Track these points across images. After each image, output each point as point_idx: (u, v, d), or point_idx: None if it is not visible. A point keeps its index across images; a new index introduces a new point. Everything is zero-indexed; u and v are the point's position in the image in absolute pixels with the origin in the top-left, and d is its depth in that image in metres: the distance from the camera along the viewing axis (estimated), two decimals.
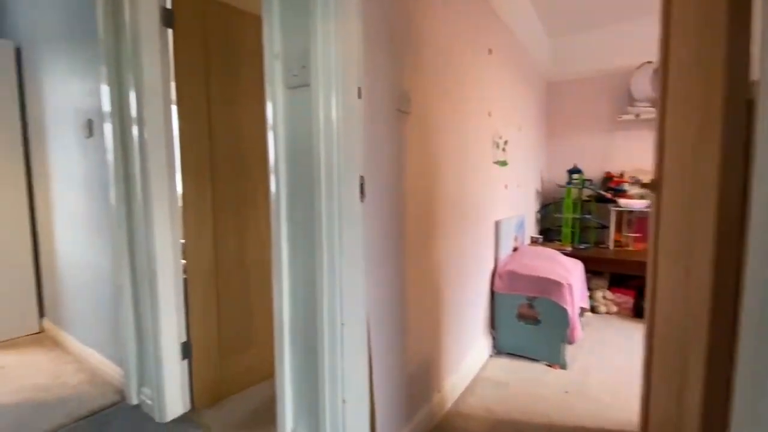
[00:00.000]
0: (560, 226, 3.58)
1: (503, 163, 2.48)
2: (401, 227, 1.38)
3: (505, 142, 2.52)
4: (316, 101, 0.99)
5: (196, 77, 1.67)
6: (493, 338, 2.34)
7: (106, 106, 1.65)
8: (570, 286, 2.18)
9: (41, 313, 2.70)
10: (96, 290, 2.06)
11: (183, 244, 1.71)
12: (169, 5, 1.62)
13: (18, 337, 2.58)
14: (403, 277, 1.41)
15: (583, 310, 2.77)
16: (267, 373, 2.01)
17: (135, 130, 1.58)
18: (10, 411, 1.75)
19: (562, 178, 3.68)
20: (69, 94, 2.08)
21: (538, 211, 3.68)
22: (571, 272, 2.36)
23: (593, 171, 3.65)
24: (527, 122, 3.13)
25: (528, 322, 2.24)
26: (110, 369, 1.99)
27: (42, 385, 1.96)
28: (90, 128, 1.90)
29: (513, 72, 2.69)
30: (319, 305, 1.01)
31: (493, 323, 2.35)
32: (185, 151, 1.65)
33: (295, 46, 1.03)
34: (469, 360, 2.04)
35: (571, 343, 2.20)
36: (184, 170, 1.67)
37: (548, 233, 3.75)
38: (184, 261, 1.70)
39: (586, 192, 3.55)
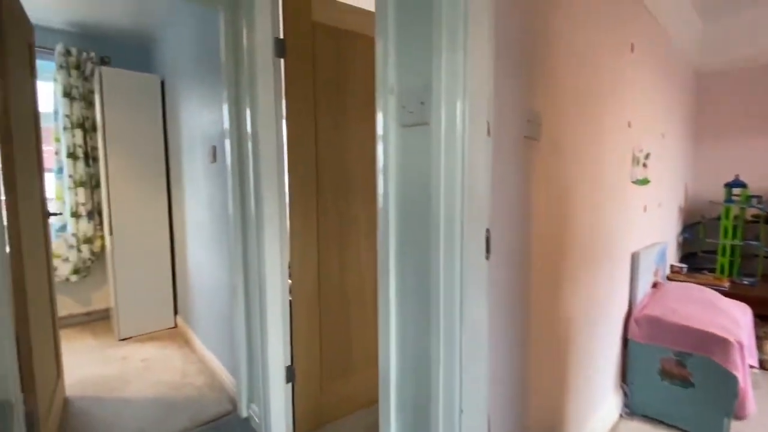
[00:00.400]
0: (710, 252, 2.89)
1: (644, 182, 2.04)
2: (526, 279, 1.16)
3: (647, 156, 2.07)
4: (437, 142, 0.85)
5: (304, 103, 1.67)
6: (625, 395, 1.94)
7: (226, 124, 1.74)
8: (740, 344, 1.68)
9: (175, 311, 3.10)
10: (215, 299, 2.25)
11: (289, 266, 1.73)
12: (281, 35, 1.64)
13: (158, 331, 2.99)
14: (526, 334, 1.19)
15: (750, 367, 2.16)
16: (365, 402, 1.96)
17: (250, 150, 1.64)
18: (149, 407, 1.99)
19: (714, 191, 2.97)
20: (198, 121, 2.30)
21: (681, 233, 3.03)
22: (739, 324, 1.84)
23: (760, 184, 2.86)
24: (672, 127, 2.56)
25: (675, 383, 1.80)
26: (225, 376, 2.15)
27: (173, 383, 2.21)
28: (214, 154, 2.06)
29: (656, 67, 2.20)
30: (434, 386, 0.87)
31: (624, 377, 1.95)
32: (293, 175, 1.67)
33: (412, 79, 0.89)
34: (596, 421, 1.71)
35: (739, 418, 1.70)
36: (291, 194, 1.69)
37: (693, 260, 3.05)
38: (289, 281, 1.73)
39: (752, 211, 2.80)
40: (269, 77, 1.60)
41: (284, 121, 1.64)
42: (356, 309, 1.93)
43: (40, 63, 3.00)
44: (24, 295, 1.39)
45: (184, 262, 2.84)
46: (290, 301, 1.74)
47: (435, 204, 0.87)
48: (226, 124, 1.74)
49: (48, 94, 2.99)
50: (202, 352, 2.52)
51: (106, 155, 2.75)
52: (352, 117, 1.83)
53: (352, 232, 1.88)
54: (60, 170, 2.99)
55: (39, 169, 1.86)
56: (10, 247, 1.36)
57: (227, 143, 1.75)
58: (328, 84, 1.75)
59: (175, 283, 3.08)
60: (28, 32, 1.82)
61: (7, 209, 1.35)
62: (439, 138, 0.84)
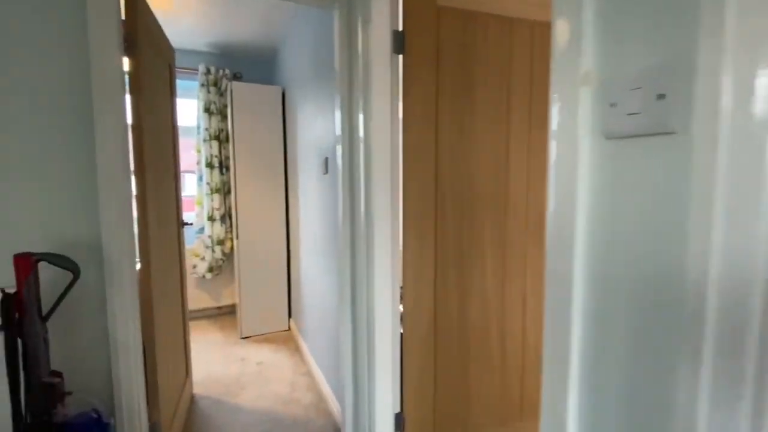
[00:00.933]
0: None
1: None
2: None
3: None
4: (700, 166, 0.46)
5: (424, 106, 1.40)
6: None
7: (338, 131, 1.59)
8: None
9: (289, 314, 3.19)
10: (323, 314, 2.15)
11: (401, 293, 1.49)
12: (400, 27, 1.40)
13: (274, 333, 3.10)
14: None
15: None
16: None
17: (361, 160, 1.44)
18: (258, 419, 1.98)
19: None
20: (312, 131, 2.23)
21: None
22: None
23: None
24: None
25: None
26: (332, 402, 2.03)
27: (282, 396, 2.19)
28: (326, 165, 1.94)
29: None
30: None
31: None
32: (408, 189, 1.41)
33: (637, 56, 0.52)
34: None
35: None
36: (406, 211, 1.44)
37: None
38: (401, 307, 1.50)
39: None
40: (385, 77, 1.37)
41: (401, 127, 1.40)
42: (478, 350, 1.60)
43: (188, 83, 3.40)
44: (150, 307, 1.43)
45: (297, 270, 2.87)
46: (401, 333, 1.50)
47: (696, 296, 0.47)
48: (338, 132, 1.58)
49: (193, 110, 3.35)
50: (310, 364, 2.48)
51: (234, 164, 2.94)
52: (480, 120, 1.50)
53: (475, 259, 1.54)
54: (201, 178, 3.32)
55: (176, 180, 1.99)
56: (143, 257, 1.40)
57: (338, 152, 1.60)
58: (454, 81, 1.45)
59: (290, 288, 3.16)
60: (169, 55, 1.95)
61: (141, 217, 1.39)
62: (701, 159, 0.45)
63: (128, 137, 1.28)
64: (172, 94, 1.98)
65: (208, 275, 3.38)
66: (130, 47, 1.33)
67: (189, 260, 3.39)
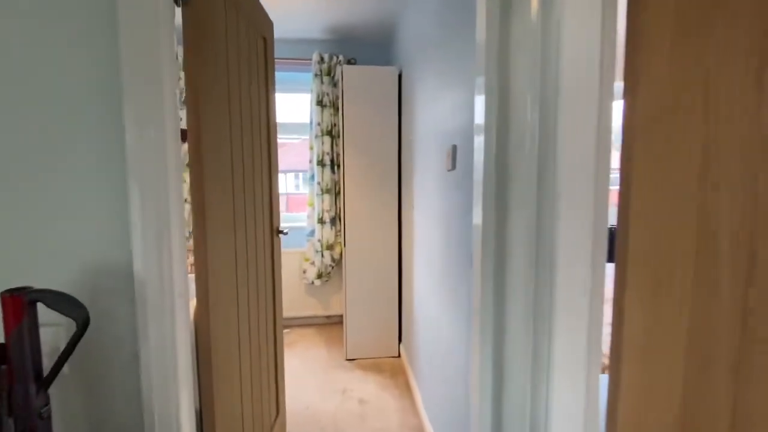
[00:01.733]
0: None
1: None
2: None
3: None
4: None
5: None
6: None
7: (479, 118, 0.97)
8: None
9: (400, 338, 2.70)
10: (443, 364, 1.57)
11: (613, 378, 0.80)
12: None
13: (381, 358, 2.65)
14: None
15: None
16: None
17: (533, 154, 0.80)
18: None
19: None
20: (433, 114, 1.65)
21: None
22: None
23: None
24: None
25: None
26: None
27: None
28: (453, 158, 1.34)
29: None
30: None
31: None
32: (641, 207, 0.71)
33: None
34: None
35: None
36: (630, 247, 0.74)
37: None
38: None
39: None
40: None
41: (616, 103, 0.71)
42: None
43: (302, 75, 3.19)
44: (209, 359, 1.05)
45: (409, 288, 2.35)
46: None
47: None
48: (479, 119, 0.96)
49: (307, 104, 3.13)
50: (422, 416, 1.93)
51: (343, 160, 2.57)
52: None
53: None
54: (312, 177, 3.08)
55: (270, 183, 1.65)
56: (200, 289, 1.03)
57: (478, 144, 0.98)
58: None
59: (401, 307, 2.67)
60: (263, 24, 1.60)
61: (199, 239, 1.02)
62: None
63: (177, 124, 0.90)
64: (267, 77, 1.64)
65: (317, 281, 3.13)
66: None
67: (299, 264, 3.20)
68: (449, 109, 1.41)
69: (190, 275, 0.97)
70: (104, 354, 0.88)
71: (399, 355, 2.67)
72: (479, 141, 0.97)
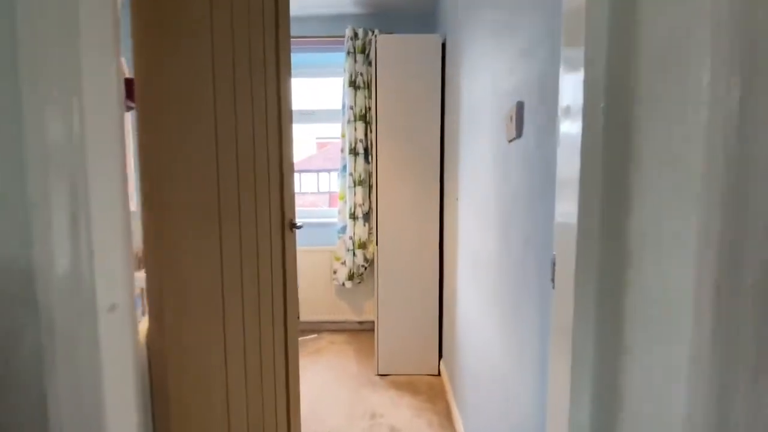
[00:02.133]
0: None
1: None
2: None
3: None
4: None
5: None
6: None
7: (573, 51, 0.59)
8: None
9: (440, 354, 2.32)
10: (491, 395, 1.18)
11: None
12: None
13: (418, 376, 2.29)
14: None
15: None
16: None
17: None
18: None
19: None
20: (489, 72, 1.26)
21: None
22: None
23: None
24: None
25: None
26: None
27: None
28: (518, 121, 0.95)
29: None
30: None
31: None
32: None
33: None
34: None
35: None
36: None
37: None
38: None
39: None
40: None
41: None
42: None
43: (334, 56, 2.90)
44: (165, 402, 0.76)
45: (452, 299, 1.96)
46: None
47: None
48: (575, 43, 0.58)
49: (339, 88, 2.84)
50: None
51: (376, 146, 2.23)
52: None
53: None
54: (344, 168, 2.78)
55: (280, 175, 1.35)
56: (153, 302, 0.74)
57: (571, 85, 0.59)
58: None
59: (442, 319, 2.29)
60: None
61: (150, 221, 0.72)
62: None
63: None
64: (278, 38, 1.33)
65: (348, 283, 2.82)
66: None
67: (329, 264, 2.91)
68: (512, 57, 1.02)
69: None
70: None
71: (439, 374, 2.29)
72: (574, 81, 0.59)
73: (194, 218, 0.83)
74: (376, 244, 2.27)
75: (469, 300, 1.55)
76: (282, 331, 1.37)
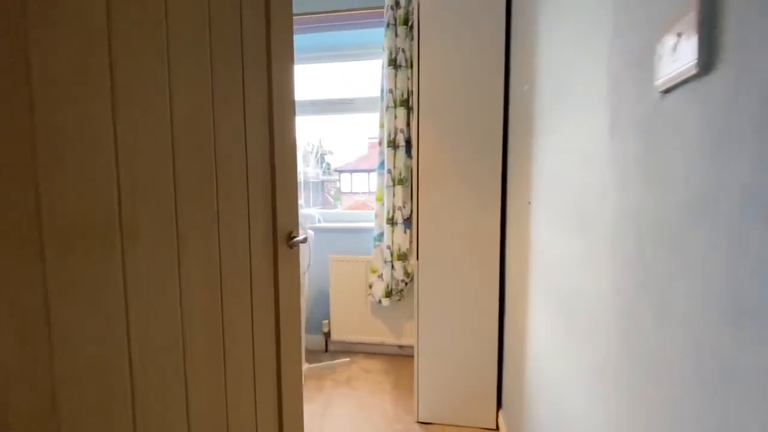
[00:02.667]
0: None
1: None
2: None
3: None
4: None
5: None
6: None
7: None
8: None
9: (498, 404, 1.80)
10: None
11: None
12: None
13: (469, 428, 1.78)
14: None
15: None
16: None
17: None
18: None
19: None
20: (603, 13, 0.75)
21: None
22: None
23: None
24: None
25: None
26: None
27: None
28: (704, 42, 0.44)
29: None
30: None
31: None
32: None
33: None
34: None
35: None
36: None
37: None
38: None
39: None
40: None
41: None
42: None
43: (373, 33, 2.48)
44: None
45: (520, 337, 1.44)
46: None
47: None
48: None
49: (378, 70, 2.40)
50: None
51: (418, 137, 1.77)
52: None
53: None
54: (381, 164, 2.35)
55: (272, 172, 0.95)
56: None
57: None
58: None
59: (502, 360, 1.77)
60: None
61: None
62: None
63: None
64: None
65: (385, 301, 2.39)
66: None
67: (364, 276, 2.50)
68: None
69: None
70: None
71: (497, 429, 1.77)
72: None
73: (71, 236, 0.44)
74: (417, 258, 1.80)
75: (553, 355, 1.03)
76: (275, 383, 0.97)
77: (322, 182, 3.38)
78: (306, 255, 2.28)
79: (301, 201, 2.82)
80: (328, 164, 3.39)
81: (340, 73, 2.70)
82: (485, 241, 1.73)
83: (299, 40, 2.47)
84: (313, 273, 2.61)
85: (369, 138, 3.66)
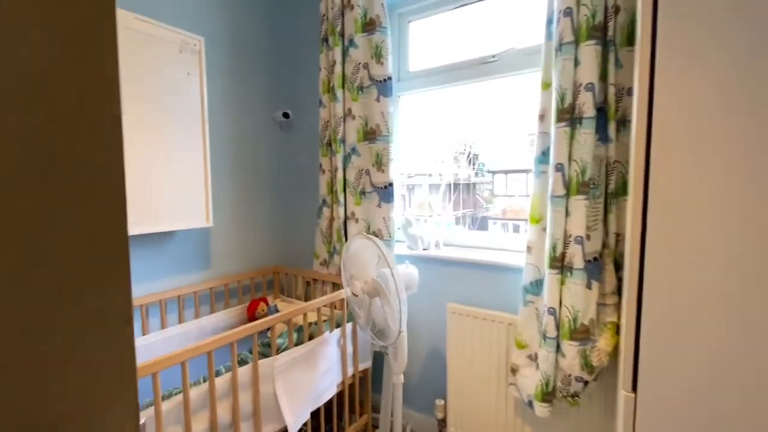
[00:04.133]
0: None
1: None
2: None
3: None
4: None
5: None
6: None
7: None
8: None
9: None
10: None
11: None
12: None
13: None
14: None
15: None
16: None
17: None
18: None
19: None
20: None
21: None
22: None
23: None
24: None
25: None
26: None
27: None
28: None
29: None
30: None
31: None
32: None
33: None
34: None
35: None
36: None
37: None
38: None
39: None
40: None
41: None
42: None
43: None
44: None
45: None
46: None
47: None
48: None
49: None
50: None
51: (652, 85, 0.68)
52: None
53: None
54: (542, 155, 1.29)
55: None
56: None
57: None
58: None
59: None
60: None
61: None
62: None
63: None
64: None
65: (541, 408, 1.29)
66: None
67: (504, 351, 1.46)
68: None
69: None
70: None
71: None
72: None
73: None
74: (637, 335, 0.70)
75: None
76: None
77: (474, 184, 2.80)
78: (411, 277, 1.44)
79: (439, 206, 1.97)
80: (482, 164, 2.70)
81: (476, 23, 1.73)
82: None
83: None
84: (423, 321, 1.73)
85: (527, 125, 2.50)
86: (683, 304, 0.67)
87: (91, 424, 0.28)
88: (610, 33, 1.13)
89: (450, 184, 2.31)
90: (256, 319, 1.77)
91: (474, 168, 2.67)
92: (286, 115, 2.08)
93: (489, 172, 2.91)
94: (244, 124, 1.97)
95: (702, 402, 0.66)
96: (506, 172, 3.18)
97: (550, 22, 1.23)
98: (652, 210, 0.69)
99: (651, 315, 0.69)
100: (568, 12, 1.14)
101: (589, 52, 1.13)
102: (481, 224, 2.52)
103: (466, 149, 2.51)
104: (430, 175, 2.18)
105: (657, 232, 0.68)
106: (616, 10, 1.13)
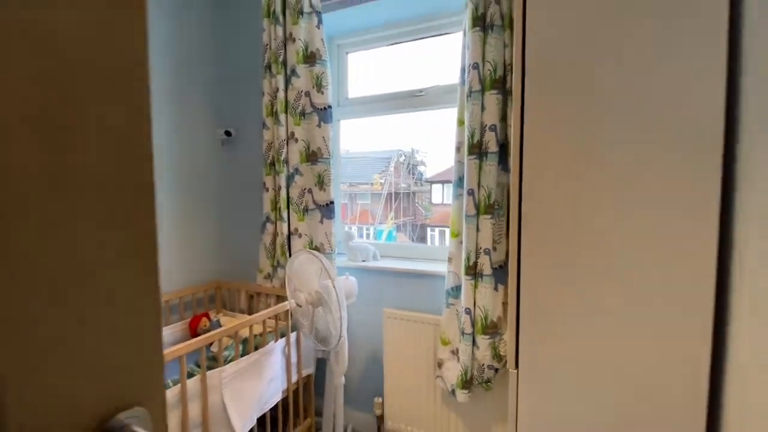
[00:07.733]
0: None
1: None
2: None
3: None
4: None
5: None
6: None
7: None
8: None
9: None
10: None
11: None
12: None
13: None
14: None
15: None
16: None
17: None
18: None
19: None
20: None
21: None
22: None
23: None
24: None
25: None
26: None
27: None
28: None
29: None
30: None
31: None
32: None
33: None
34: None
35: None
36: None
37: None
38: None
39: None
40: None
41: None
42: None
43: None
44: None
45: None
46: None
47: None
48: None
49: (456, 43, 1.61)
50: None
51: (522, 137, 0.93)
52: None
53: None
54: (459, 181, 1.54)
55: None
56: None
57: None
58: None
59: None
60: None
61: None
62: None
63: None
64: None
65: (462, 394, 1.53)
66: None
67: (432, 347, 1.68)
68: None
69: None
70: None
71: None
72: None
73: None
74: (517, 334, 0.94)
75: None
76: None
77: (414, 193, 2.92)
78: (350, 287, 1.59)
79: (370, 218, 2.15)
80: (421, 173, 2.90)
81: (404, 56, 1.98)
82: (674, 322, 0.79)
83: (348, 18, 1.85)
84: (361, 326, 1.90)
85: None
86: (546, 296, 0.91)
87: None
88: (508, 85, 1.42)
89: (391, 193, 2.51)
90: (198, 334, 1.81)
91: (413, 177, 2.88)
92: (228, 133, 2.14)
93: (427, 181, 3.14)
94: (182, 139, 1.99)
95: (565, 374, 0.91)
96: (443, 182, 3.47)
97: (463, 70, 1.49)
98: (528, 228, 0.93)
99: (524, 306, 0.93)
100: (476, 66, 1.41)
101: (492, 99, 1.40)
102: (421, 231, 2.75)
103: (405, 159, 2.71)
104: (371, 184, 2.37)
105: (529, 243, 0.93)
106: (512, 68, 1.41)
